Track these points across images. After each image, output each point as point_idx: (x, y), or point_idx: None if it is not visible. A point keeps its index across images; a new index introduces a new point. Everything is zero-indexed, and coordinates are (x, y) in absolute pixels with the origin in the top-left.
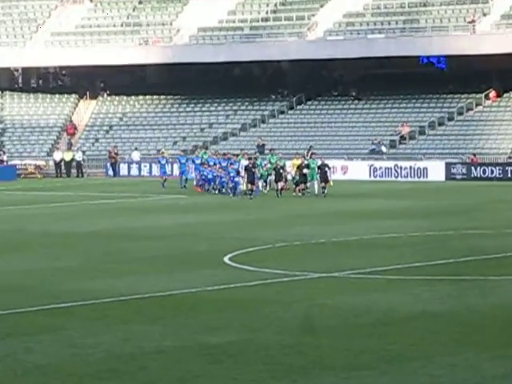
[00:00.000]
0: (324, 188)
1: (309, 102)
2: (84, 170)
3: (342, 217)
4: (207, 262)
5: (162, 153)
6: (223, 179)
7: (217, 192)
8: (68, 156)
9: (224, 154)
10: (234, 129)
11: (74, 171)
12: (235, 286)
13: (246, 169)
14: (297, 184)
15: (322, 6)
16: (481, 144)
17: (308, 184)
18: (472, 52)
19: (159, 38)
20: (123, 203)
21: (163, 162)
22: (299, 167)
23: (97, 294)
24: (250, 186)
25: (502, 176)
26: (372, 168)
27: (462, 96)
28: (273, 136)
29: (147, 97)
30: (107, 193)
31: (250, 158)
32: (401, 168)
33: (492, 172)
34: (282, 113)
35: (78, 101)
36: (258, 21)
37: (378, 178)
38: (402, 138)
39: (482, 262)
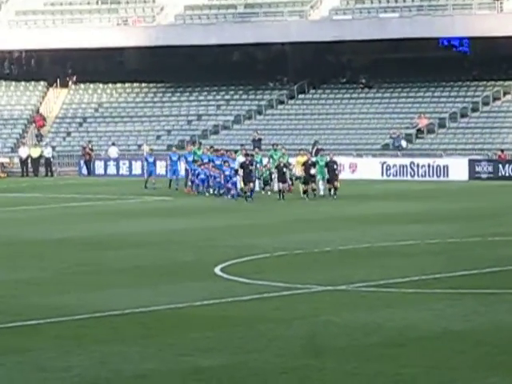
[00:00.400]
0: (335, 189)
1: (312, 91)
2: (54, 169)
3: (350, 221)
4: (196, 274)
5: (151, 149)
6: (217, 179)
7: (210, 193)
8: (35, 152)
9: (216, 151)
10: (226, 121)
11: (42, 169)
12: (227, 300)
13: (242, 166)
14: (306, 183)
15: None
16: (509, 138)
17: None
18: (499, 33)
19: (140, 17)
20: (99, 206)
21: (151, 159)
22: (304, 165)
23: (68, 309)
24: (246, 186)
25: None
26: (385, 166)
27: (488, 84)
28: (270, 129)
29: (126, 85)
30: (81, 194)
31: (247, 155)
32: (418, 166)
33: None
34: (282, 103)
35: (47, 89)
36: None
37: (391, 178)
38: (420, 131)
39: (511, 273)
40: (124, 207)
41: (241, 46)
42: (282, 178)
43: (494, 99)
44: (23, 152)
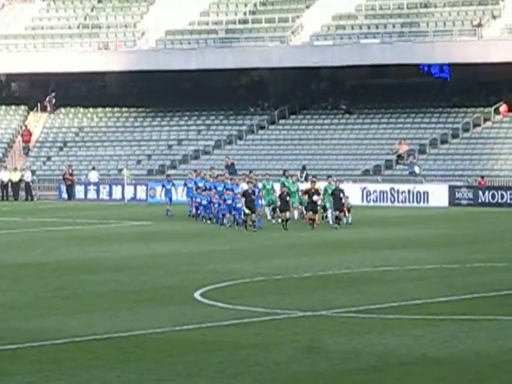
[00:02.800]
0: (341, 218)
1: (293, 116)
2: (34, 193)
3: (330, 247)
4: (176, 299)
5: (168, 175)
6: (221, 206)
7: (209, 221)
8: (15, 176)
9: (217, 177)
10: (206, 146)
11: (22, 193)
12: (207, 325)
13: (245, 195)
14: (314, 211)
15: (308, 7)
16: (489, 165)
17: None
18: (479, 60)
19: (121, 41)
20: (79, 230)
21: (169, 186)
22: (308, 193)
23: (48, 334)
24: (249, 216)
25: None
26: (365, 191)
27: (468, 110)
28: (251, 155)
29: (107, 109)
30: (61, 218)
31: (249, 182)
32: (398, 192)
33: (502, 197)
34: (262, 128)
35: (28, 113)
36: (234, 23)
37: (371, 203)
38: (400, 157)
39: (491, 299)
40: (104, 231)
41: (222, 71)
42: (284, 207)
43: (475, 125)
44: (4, 176)
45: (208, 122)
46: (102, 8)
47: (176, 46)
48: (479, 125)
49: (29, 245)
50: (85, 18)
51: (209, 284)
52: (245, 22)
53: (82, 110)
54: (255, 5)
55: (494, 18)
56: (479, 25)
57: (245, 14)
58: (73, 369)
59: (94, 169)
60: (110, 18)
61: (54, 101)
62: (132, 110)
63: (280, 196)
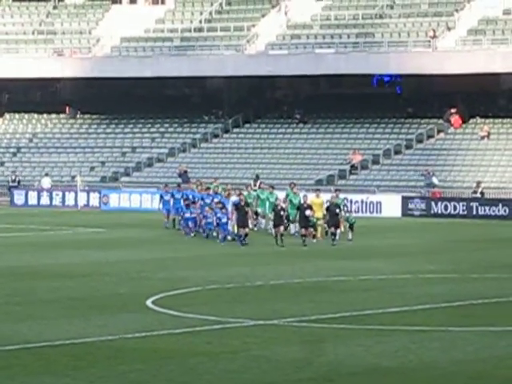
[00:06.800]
0: (336, 234)
1: (247, 125)
2: None
3: (283, 256)
4: (127, 306)
5: (166, 185)
6: (209, 220)
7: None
8: None
9: (207, 188)
10: (160, 154)
11: None
12: (158, 333)
13: (237, 208)
14: (306, 227)
15: (263, 16)
16: (443, 176)
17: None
18: (434, 71)
19: (76, 48)
20: (32, 237)
21: (167, 197)
22: (299, 208)
23: None
24: (241, 230)
25: (466, 213)
26: None
27: (422, 121)
28: (205, 163)
29: (61, 115)
30: (13, 224)
31: (240, 194)
32: (351, 202)
33: (455, 208)
34: (216, 136)
35: None
36: (189, 31)
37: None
38: (353, 167)
39: (442, 310)
40: (57, 238)
41: (176, 79)
42: (278, 221)
43: (428, 137)
44: None
45: (162, 129)
46: (57, 14)
47: (131, 53)
48: (433, 136)
49: None
50: (40, 24)
51: (161, 292)
52: (200, 30)
53: (35, 115)
54: (211, 13)
55: (449, 29)
56: (434, 36)
57: (200, 22)
58: (24, 375)
59: (46, 175)
60: (65, 25)
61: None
62: (86, 116)
63: (274, 210)
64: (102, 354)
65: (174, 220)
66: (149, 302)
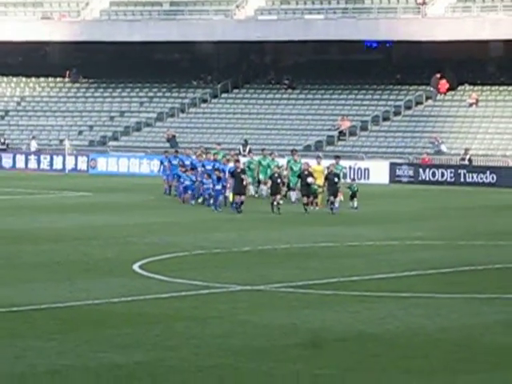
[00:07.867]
0: (334, 202)
1: (235, 90)
2: None
3: (271, 222)
4: (114, 270)
5: (166, 151)
6: (206, 186)
7: (199, 203)
8: None
9: (207, 153)
10: (148, 118)
11: None
12: (145, 298)
13: (234, 175)
14: (307, 195)
15: None
16: (431, 143)
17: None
18: (423, 38)
19: (65, 12)
20: (18, 200)
21: (175, 161)
22: (300, 176)
23: None
24: (237, 197)
25: (453, 180)
26: None
27: (411, 88)
28: (193, 128)
29: (50, 79)
30: (0, 188)
31: (237, 161)
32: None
33: (443, 175)
34: (205, 101)
35: None
36: None
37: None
38: (341, 133)
39: (428, 277)
40: (44, 202)
41: (165, 43)
42: (274, 190)
43: (417, 103)
44: None
45: (150, 94)
46: None
47: (120, 17)
48: (421, 103)
49: None
50: None
51: (148, 256)
52: None
53: (24, 79)
54: None
55: None
56: (423, 3)
57: None
58: (9, 338)
59: (33, 138)
60: None
61: None
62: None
63: (271, 177)
64: (88, 317)
65: (170, 186)
66: (136, 267)
